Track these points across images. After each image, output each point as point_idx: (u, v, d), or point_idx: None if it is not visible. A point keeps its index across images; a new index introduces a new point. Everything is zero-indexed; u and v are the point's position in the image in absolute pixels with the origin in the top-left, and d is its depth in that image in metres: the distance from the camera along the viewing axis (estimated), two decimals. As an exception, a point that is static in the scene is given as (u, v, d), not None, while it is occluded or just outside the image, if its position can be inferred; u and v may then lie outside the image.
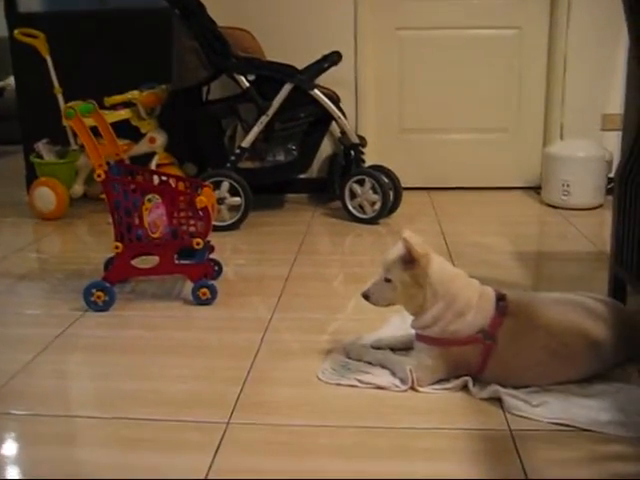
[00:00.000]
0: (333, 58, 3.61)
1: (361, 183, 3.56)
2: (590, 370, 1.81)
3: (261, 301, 2.55)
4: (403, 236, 1.82)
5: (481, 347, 1.79)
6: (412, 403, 1.79)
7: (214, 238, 2.77)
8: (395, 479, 1.49)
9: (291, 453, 1.59)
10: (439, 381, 1.85)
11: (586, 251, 3.06)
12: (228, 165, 3.54)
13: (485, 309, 1.81)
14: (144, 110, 3.85)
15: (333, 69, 3.61)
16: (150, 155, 3.88)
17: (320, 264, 2.99)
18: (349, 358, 2.00)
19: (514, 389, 1.78)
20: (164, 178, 2.64)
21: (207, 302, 2.49)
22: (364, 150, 3.73)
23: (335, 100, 3.64)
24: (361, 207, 3.59)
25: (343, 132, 3.68)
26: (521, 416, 1.70)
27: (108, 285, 2.47)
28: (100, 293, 2.45)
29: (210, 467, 1.52)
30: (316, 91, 3.51)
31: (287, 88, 3.47)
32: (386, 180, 3.55)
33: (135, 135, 3.89)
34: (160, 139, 3.89)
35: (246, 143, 3.55)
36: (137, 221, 2.45)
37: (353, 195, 3.60)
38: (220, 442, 1.62)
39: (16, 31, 3.88)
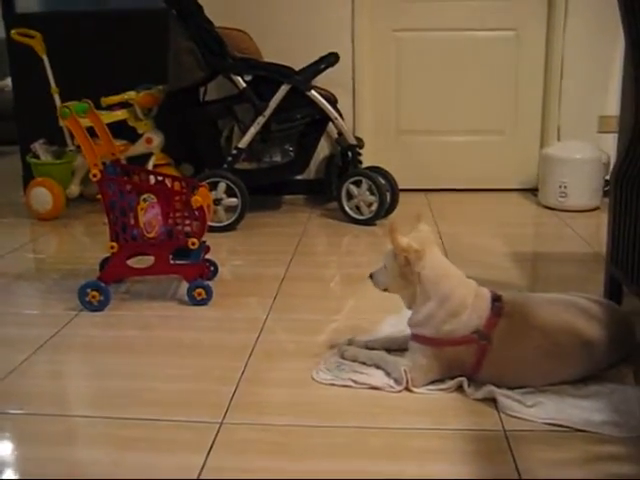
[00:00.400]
0: (330, 59, 3.60)
1: (358, 184, 3.55)
2: (584, 370, 1.81)
3: (257, 301, 2.54)
4: (391, 227, 1.84)
5: (476, 347, 1.78)
6: (406, 403, 1.78)
7: (210, 239, 2.77)
8: (389, 479, 1.49)
9: (284, 453, 1.58)
10: (434, 382, 1.85)
11: (582, 252, 3.06)
12: (225, 166, 3.54)
13: (480, 309, 1.81)
14: (141, 111, 3.85)
15: (330, 70, 3.61)
16: (147, 156, 3.88)
17: (316, 265, 2.99)
18: (343, 358, 1.99)
19: (509, 390, 1.78)
20: (160, 178, 2.64)
21: (202, 302, 2.49)
22: (361, 151, 3.73)
23: (332, 101, 3.63)
24: (358, 208, 3.59)
25: (340, 133, 3.68)
26: (515, 417, 1.69)
27: (103, 285, 2.46)
28: (95, 293, 2.45)
29: (203, 466, 1.52)
30: (313, 92, 3.51)
31: (284, 89, 3.47)
32: (383, 181, 3.54)
33: (132, 136, 3.89)
34: (157, 140, 3.89)
35: (243, 144, 3.54)
36: (132, 221, 2.45)
37: (350, 196, 3.60)
38: (213, 442, 1.62)
39: (13, 31, 3.88)
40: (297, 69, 3.51)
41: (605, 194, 3.65)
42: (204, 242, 2.61)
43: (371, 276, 1.99)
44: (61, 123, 3.60)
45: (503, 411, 1.72)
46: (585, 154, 3.76)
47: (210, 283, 2.55)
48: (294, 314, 2.42)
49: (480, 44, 4.10)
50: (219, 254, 2.93)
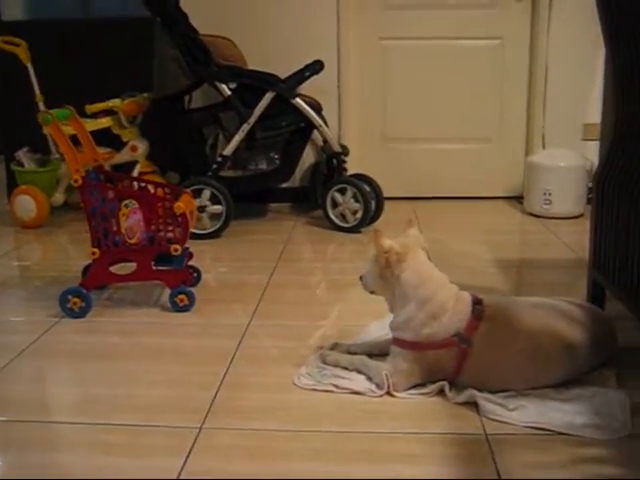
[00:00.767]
0: (315, 67, 3.60)
1: (342, 192, 3.55)
2: (566, 374, 1.81)
3: (240, 308, 2.53)
4: (376, 229, 1.86)
5: (456, 351, 1.78)
6: (388, 408, 1.78)
7: (195, 246, 2.76)
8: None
9: (263, 457, 1.57)
10: (415, 386, 1.84)
11: (566, 259, 3.06)
12: (209, 173, 3.52)
13: (461, 312, 1.80)
14: (125, 118, 3.83)
15: (316, 78, 3.61)
16: (132, 164, 3.87)
17: (300, 272, 2.98)
18: (325, 363, 1.98)
19: (490, 393, 1.77)
20: (142, 184, 2.63)
21: (185, 309, 2.47)
22: (346, 159, 3.73)
23: (317, 109, 3.63)
24: (343, 216, 3.58)
25: (325, 141, 3.68)
26: (497, 420, 1.69)
27: (84, 291, 2.44)
28: (76, 299, 2.43)
29: (181, 471, 1.50)
30: (298, 100, 3.51)
31: (268, 97, 3.47)
32: (368, 189, 3.54)
33: (117, 144, 3.88)
34: (142, 147, 3.87)
35: (228, 151, 3.54)
36: (115, 227, 2.43)
37: (335, 204, 3.59)
38: (192, 447, 1.60)
39: (-2, 39, 3.87)
40: (283, 77, 3.51)
41: (589, 201, 3.65)
42: (187, 248, 2.60)
43: (361, 278, 2.00)
44: (45, 131, 3.58)
45: (484, 415, 1.71)
46: (569, 162, 3.77)
47: (193, 289, 2.53)
48: (277, 320, 2.41)
49: (465, 52, 4.11)
50: (203, 261, 2.92)
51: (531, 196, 3.87)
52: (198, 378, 1.96)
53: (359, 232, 3.52)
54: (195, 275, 2.74)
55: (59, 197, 3.92)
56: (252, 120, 3.48)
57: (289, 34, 4.02)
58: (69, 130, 2.51)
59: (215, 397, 1.84)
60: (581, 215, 3.76)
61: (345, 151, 3.76)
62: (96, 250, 2.44)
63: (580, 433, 1.62)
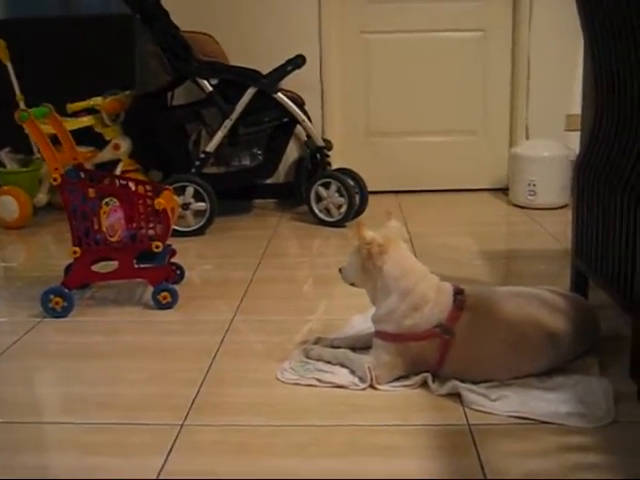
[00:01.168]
0: (297, 62, 3.59)
1: (327, 186, 3.54)
2: (549, 362, 1.80)
3: (223, 304, 2.52)
4: (358, 222, 1.86)
5: (439, 342, 1.77)
6: (371, 401, 1.77)
7: (178, 243, 2.75)
8: (353, 479, 1.47)
9: (246, 453, 1.56)
10: (398, 378, 1.83)
11: (552, 249, 3.06)
12: (193, 170, 3.50)
13: (442, 303, 1.80)
14: (107, 117, 3.81)
15: (298, 72, 3.59)
16: (115, 162, 3.84)
17: (285, 267, 2.97)
18: (308, 358, 1.97)
19: (473, 384, 1.76)
20: (123, 182, 2.61)
21: (168, 306, 2.45)
22: (330, 153, 3.72)
23: (299, 103, 3.62)
24: (327, 210, 3.57)
25: (308, 136, 3.66)
26: (480, 411, 1.68)
27: (66, 291, 2.42)
28: (58, 299, 2.41)
29: (161, 469, 1.49)
30: (280, 95, 3.50)
31: (250, 92, 3.45)
32: (352, 183, 3.54)
33: (99, 142, 3.85)
34: (124, 146, 3.85)
35: (210, 148, 3.52)
36: (96, 225, 2.41)
37: (319, 198, 3.58)
38: (173, 444, 1.59)
39: (-24, 39, 3.83)
40: (264, 72, 3.49)
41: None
42: (169, 245, 2.59)
43: (340, 270, 1.99)
44: (27, 130, 3.54)
45: (468, 406, 1.70)
46: (553, 152, 3.77)
47: (176, 287, 2.52)
48: (260, 315, 2.39)
49: (448, 45, 4.11)
50: (187, 258, 2.90)
51: (516, 187, 3.87)
52: (181, 375, 1.95)
53: (344, 226, 3.51)
54: (178, 272, 2.73)
55: (42, 197, 3.90)
56: (234, 116, 3.47)
57: (270, 29, 4.00)
58: (48, 129, 2.49)
59: (197, 393, 1.83)
60: (566, 205, 3.76)
61: (329, 145, 3.75)
62: (77, 249, 2.42)
63: (564, 422, 1.61)
